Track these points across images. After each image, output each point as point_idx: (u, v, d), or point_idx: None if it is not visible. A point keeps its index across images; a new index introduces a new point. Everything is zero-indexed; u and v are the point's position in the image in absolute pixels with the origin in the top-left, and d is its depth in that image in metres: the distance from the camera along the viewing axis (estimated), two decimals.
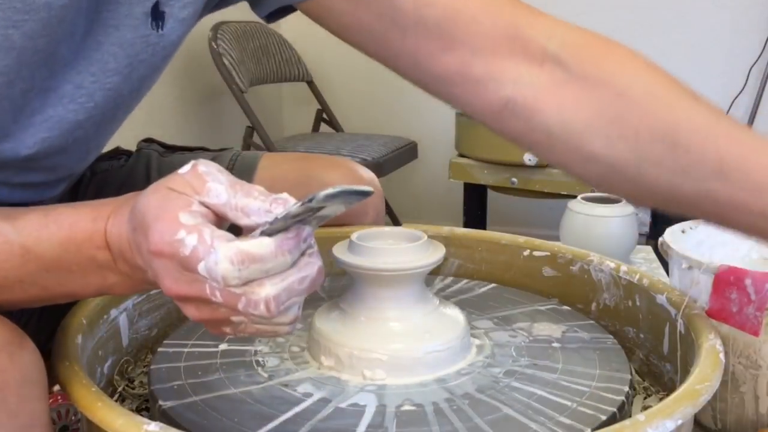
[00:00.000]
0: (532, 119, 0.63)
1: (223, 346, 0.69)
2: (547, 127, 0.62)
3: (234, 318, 0.46)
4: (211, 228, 0.44)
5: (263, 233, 0.45)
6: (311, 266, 0.46)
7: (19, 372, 0.50)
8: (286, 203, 0.46)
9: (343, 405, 0.59)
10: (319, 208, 0.44)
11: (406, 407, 0.59)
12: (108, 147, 0.90)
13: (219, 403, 0.59)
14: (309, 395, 0.60)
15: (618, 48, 0.63)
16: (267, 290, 0.44)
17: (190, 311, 0.47)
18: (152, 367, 0.65)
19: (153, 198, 0.46)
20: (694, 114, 0.59)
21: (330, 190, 0.43)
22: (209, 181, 0.46)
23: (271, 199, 0.46)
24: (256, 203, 0.46)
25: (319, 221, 0.46)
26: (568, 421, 0.56)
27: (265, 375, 0.64)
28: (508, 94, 0.64)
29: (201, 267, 0.43)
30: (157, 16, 0.63)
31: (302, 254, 0.46)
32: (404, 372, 0.63)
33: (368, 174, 0.97)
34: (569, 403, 0.59)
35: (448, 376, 0.64)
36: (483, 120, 0.68)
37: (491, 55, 0.63)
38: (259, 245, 0.44)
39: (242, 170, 0.91)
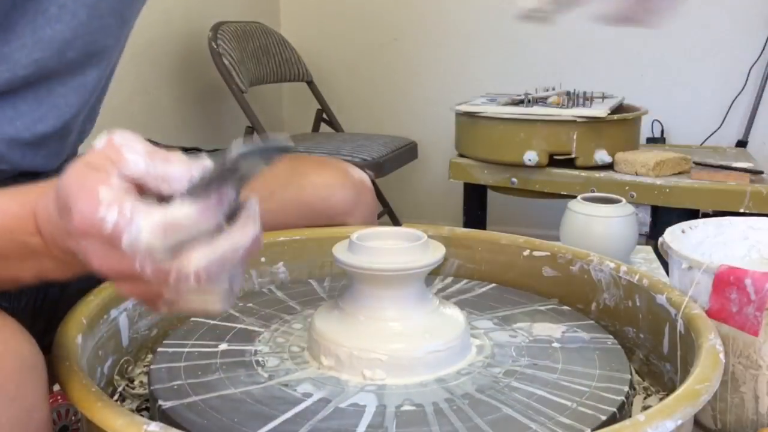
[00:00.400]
0: None
1: (223, 346, 0.69)
2: None
3: (167, 294, 0.45)
4: (132, 200, 0.43)
5: (183, 198, 0.44)
6: (244, 235, 0.44)
7: (16, 358, 0.50)
8: (204, 168, 0.45)
9: (343, 405, 0.59)
10: (236, 168, 0.43)
11: (406, 407, 0.59)
12: None
13: (219, 403, 0.59)
14: (309, 395, 0.60)
15: None
16: (197, 262, 0.43)
17: (125, 288, 0.46)
18: (152, 367, 0.65)
19: (72, 176, 0.45)
20: None
21: (242, 149, 0.41)
22: (125, 153, 0.45)
23: (190, 164, 0.46)
24: (176, 169, 0.45)
25: (241, 182, 0.45)
26: (568, 421, 0.56)
27: (265, 375, 0.64)
28: None
29: (125, 242, 0.42)
30: None
31: (235, 221, 0.45)
32: (404, 372, 0.63)
33: (359, 174, 0.98)
34: (569, 403, 0.59)
35: (448, 376, 0.64)
36: None
37: None
38: (179, 211, 0.43)
39: None
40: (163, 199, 0.45)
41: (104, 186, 0.44)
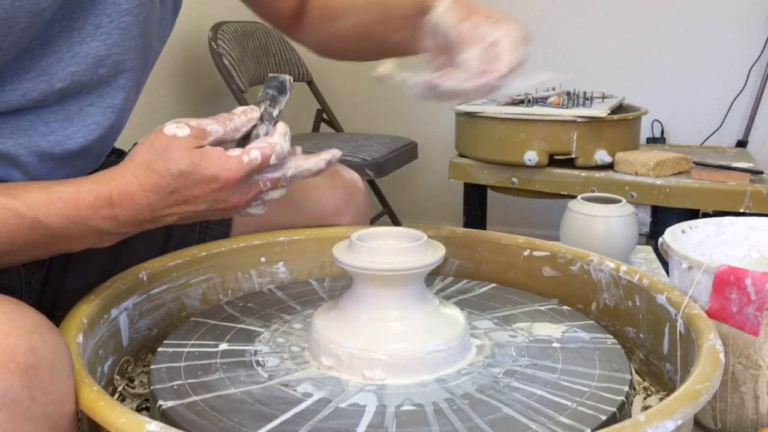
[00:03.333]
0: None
1: (223, 346, 0.69)
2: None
3: (257, 197, 0.68)
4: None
5: (259, 127, 0.69)
6: (325, 157, 0.71)
7: (50, 352, 0.53)
8: (253, 110, 0.69)
9: (343, 405, 0.59)
10: (272, 100, 0.70)
11: (406, 407, 0.59)
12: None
13: (219, 403, 0.59)
14: (309, 395, 0.60)
15: None
16: (291, 171, 0.69)
17: (238, 204, 0.67)
18: (152, 366, 0.65)
19: (194, 159, 0.64)
20: None
21: (270, 81, 0.71)
22: (206, 127, 0.65)
23: (242, 111, 0.69)
24: (240, 120, 0.68)
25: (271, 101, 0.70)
26: (568, 421, 0.56)
27: (265, 375, 0.64)
28: None
29: (273, 159, 0.65)
30: None
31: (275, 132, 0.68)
32: (404, 372, 0.63)
33: (350, 174, 0.99)
34: (569, 403, 0.59)
35: (448, 376, 0.64)
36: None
37: None
38: (276, 134, 0.68)
39: None
40: (238, 143, 0.68)
41: (224, 151, 0.65)
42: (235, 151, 0.65)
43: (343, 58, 1.01)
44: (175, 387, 0.62)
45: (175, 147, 0.63)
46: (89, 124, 0.76)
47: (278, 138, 0.67)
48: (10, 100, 0.71)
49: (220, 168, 0.63)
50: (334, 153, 0.72)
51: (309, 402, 0.59)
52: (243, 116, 0.68)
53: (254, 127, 0.68)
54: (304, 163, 0.69)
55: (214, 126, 0.65)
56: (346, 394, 0.60)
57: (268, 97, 0.69)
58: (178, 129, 0.64)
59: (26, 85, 0.72)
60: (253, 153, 0.64)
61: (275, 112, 0.69)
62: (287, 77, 0.70)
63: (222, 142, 0.66)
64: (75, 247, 0.66)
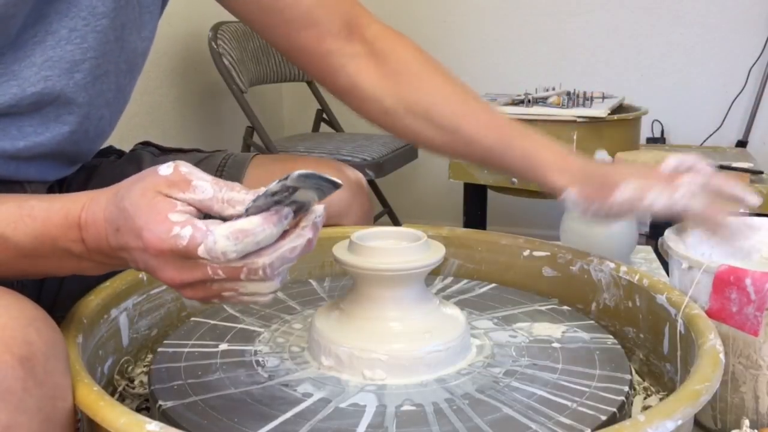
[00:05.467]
0: (356, 82, 0.88)
1: (223, 346, 0.69)
2: (363, 89, 0.88)
3: (225, 294, 0.53)
4: (201, 220, 0.51)
5: (248, 213, 0.51)
6: (301, 238, 0.52)
7: (45, 345, 0.52)
8: (265, 190, 0.52)
9: (343, 405, 0.59)
10: (294, 190, 0.51)
11: (406, 407, 0.59)
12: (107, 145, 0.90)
13: (219, 403, 0.59)
14: (309, 395, 0.60)
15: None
16: (264, 259, 0.51)
17: (186, 293, 0.53)
18: (152, 367, 0.65)
19: (140, 201, 0.52)
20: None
21: (302, 171, 0.49)
22: (194, 180, 0.52)
23: (252, 191, 0.53)
24: (239, 195, 0.52)
25: (296, 206, 0.52)
26: (568, 421, 0.56)
27: (265, 375, 0.64)
28: (344, 63, 0.87)
29: (201, 250, 0.49)
30: None
31: (296, 227, 0.53)
32: (404, 372, 0.63)
33: (354, 174, 0.98)
34: (569, 403, 0.59)
35: (448, 376, 0.64)
36: (325, 84, 0.91)
37: (335, 36, 0.87)
38: (247, 222, 0.50)
39: (232, 171, 0.92)
40: (225, 220, 0.52)
41: (174, 211, 0.51)
42: (190, 221, 0.51)
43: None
44: (175, 387, 0.62)
45: (141, 183, 0.53)
46: (65, 132, 0.75)
47: (254, 226, 0.50)
48: None
49: (147, 224, 0.51)
50: (316, 217, 0.54)
51: (309, 402, 0.59)
52: (242, 191, 0.53)
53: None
54: (285, 245, 0.52)
55: (204, 184, 0.52)
56: (346, 394, 0.60)
57: (303, 187, 0.51)
58: (166, 168, 0.54)
59: None
60: (185, 230, 0.50)
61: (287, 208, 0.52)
62: (339, 182, 0.52)
63: (207, 208, 0.53)
64: (57, 270, 0.60)
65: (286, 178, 0.50)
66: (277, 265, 0.52)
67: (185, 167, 0.53)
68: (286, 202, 0.52)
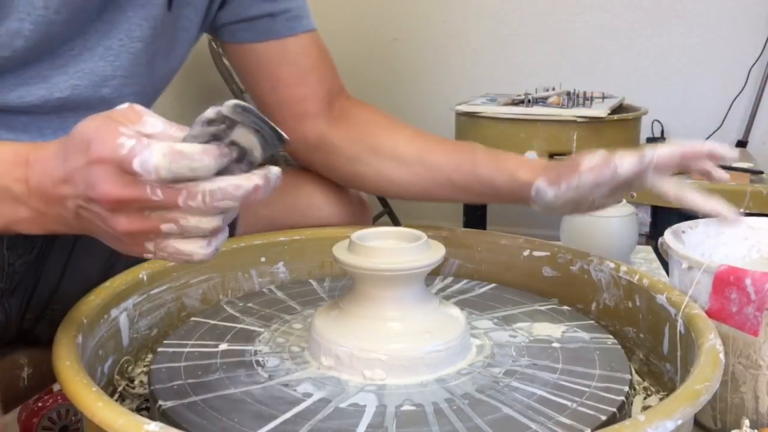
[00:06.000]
0: (325, 137, 0.92)
1: (223, 346, 0.69)
2: (331, 142, 0.92)
3: (164, 226, 0.49)
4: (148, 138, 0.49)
5: (185, 141, 0.49)
6: (249, 181, 0.49)
7: None
8: (202, 117, 0.50)
9: (343, 405, 0.59)
10: (232, 124, 0.49)
11: (406, 407, 0.59)
12: None
13: (219, 403, 0.59)
14: (309, 395, 0.60)
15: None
16: (205, 185, 0.48)
17: (122, 222, 0.50)
18: (152, 367, 0.65)
19: (93, 121, 0.50)
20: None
21: (239, 102, 0.48)
22: (146, 115, 0.51)
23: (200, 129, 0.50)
24: (188, 133, 0.50)
25: (238, 151, 0.50)
26: (568, 421, 0.56)
27: (265, 375, 0.64)
28: (318, 124, 0.92)
29: (136, 162, 0.47)
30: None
31: (248, 170, 0.51)
32: (404, 372, 0.63)
33: (358, 197, 0.99)
34: (569, 403, 0.59)
35: (448, 376, 0.64)
36: (294, 137, 0.86)
37: (320, 100, 0.92)
38: (187, 146, 0.48)
39: None
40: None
41: (125, 128, 0.49)
42: (137, 136, 0.49)
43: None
44: (175, 387, 0.62)
45: (94, 116, 0.52)
46: None
47: (193, 152, 0.48)
48: (5, 99, 0.72)
49: (96, 135, 0.49)
50: (270, 172, 0.52)
51: (309, 402, 0.59)
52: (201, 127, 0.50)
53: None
54: (230, 180, 0.49)
55: (155, 120, 0.51)
56: (346, 394, 0.60)
57: (241, 122, 0.49)
58: (120, 106, 0.53)
59: (24, 88, 0.73)
60: (129, 141, 0.48)
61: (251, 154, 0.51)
62: (284, 136, 0.51)
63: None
64: None
65: (221, 105, 0.48)
66: (218, 197, 0.49)
67: (139, 107, 0.52)
68: (225, 139, 0.50)
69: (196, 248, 0.51)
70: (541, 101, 1.92)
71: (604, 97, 2.00)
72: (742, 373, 0.69)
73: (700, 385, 0.53)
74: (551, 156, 1.82)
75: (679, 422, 0.49)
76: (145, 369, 0.74)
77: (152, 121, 0.51)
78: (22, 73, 0.72)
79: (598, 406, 0.59)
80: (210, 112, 0.49)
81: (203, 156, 0.48)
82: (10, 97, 0.73)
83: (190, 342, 0.70)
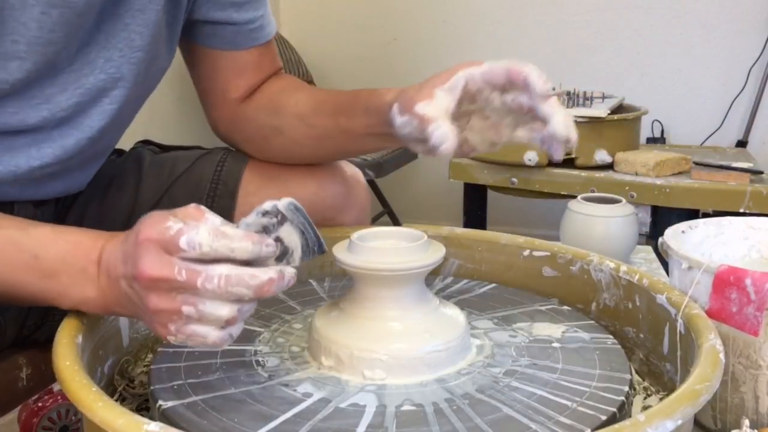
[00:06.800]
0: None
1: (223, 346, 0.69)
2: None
3: (184, 308, 0.53)
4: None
5: (239, 227, 0.56)
6: (265, 273, 0.54)
7: None
8: (256, 212, 0.57)
9: (343, 405, 0.59)
10: (282, 219, 0.56)
11: (406, 407, 0.59)
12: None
13: (219, 403, 0.59)
14: (309, 395, 0.60)
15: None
16: (222, 269, 0.53)
17: (152, 300, 0.54)
18: (152, 367, 0.65)
19: (152, 214, 0.56)
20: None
21: (294, 201, 0.56)
22: (207, 213, 0.56)
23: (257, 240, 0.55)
24: (242, 220, 0.57)
25: (281, 248, 0.56)
26: (568, 421, 0.56)
27: (265, 375, 0.64)
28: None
29: (183, 240, 0.53)
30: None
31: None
32: (404, 372, 0.63)
33: (351, 168, 0.97)
34: (569, 403, 0.59)
35: (448, 376, 0.64)
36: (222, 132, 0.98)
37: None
38: (230, 228, 0.54)
39: (232, 166, 0.92)
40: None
41: (175, 217, 0.55)
42: (184, 222, 0.54)
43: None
44: (175, 387, 0.62)
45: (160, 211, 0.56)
46: (72, 148, 0.78)
47: (234, 234, 0.54)
48: (8, 122, 0.73)
49: (148, 224, 0.55)
50: (286, 270, 0.55)
51: (309, 402, 0.59)
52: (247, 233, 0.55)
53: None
54: (249, 270, 0.54)
55: (213, 217, 0.56)
56: (346, 394, 0.60)
57: (289, 221, 0.57)
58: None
59: (27, 110, 0.73)
60: (177, 224, 0.53)
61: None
62: (324, 247, 0.58)
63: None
64: (58, 294, 0.62)
65: (278, 200, 0.56)
66: (233, 282, 0.53)
67: (202, 207, 0.56)
68: (273, 233, 0.56)
69: (211, 330, 0.55)
70: None
71: (604, 97, 2.00)
72: (742, 373, 0.69)
73: (700, 385, 0.53)
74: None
75: (679, 422, 0.49)
76: (145, 369, 0.74)
77: (212, 218, 0.56)
78: (24, 94, 0.72)
79: (598, 406, 0.59)
80: (267, 205, 0.56)
81: (243, 239, 0.53)
82: (12, 121, 0.73)
83: None
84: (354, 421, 0.56)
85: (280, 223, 0.56)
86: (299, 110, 0.89)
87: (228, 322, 0.55)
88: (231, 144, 0.97)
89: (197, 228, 0.53)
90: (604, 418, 0.57)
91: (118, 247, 0.59)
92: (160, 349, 0.69)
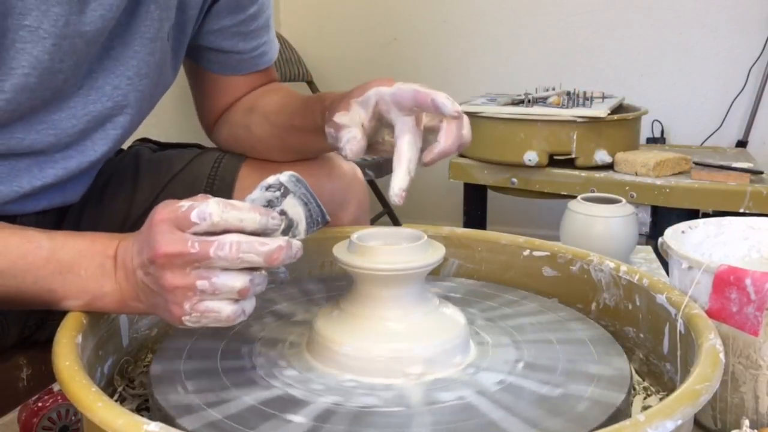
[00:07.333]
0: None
1: (223, 347, 0.69)
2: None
3: (198, 282, 0.55)
4: None
5: (245, 201, 0.58)
6: (275, 242, 0.56)
7: None
8: (260, 186, 0.59)
9: (342, 405, 0.59)
10: (285, 192, 0.58)
11: (406, 407, 0.59)
12: None
13: (219, 403, 0.59)
14: (309, 395, 0.60)
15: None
16: (233, 237, 0.55)
17: (167, 278, 0.56)
18: (152, 367, 0.65)
19: (160, 205, 0.58)
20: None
21: (294, 173, 0.58)
22: (211, 198, 0.57)
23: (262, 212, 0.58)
24: (248, 196, 0.59)
25: (286, 221, 0.59)
26: (568, 421, 0.56)
27: (265, 375, 0.64)
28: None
29: (194, 214, 0.55)
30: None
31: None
32: (404, 372, 0.63)
33: (349, 165, 0.97)
34: (569, 403, 0.59)
35: (448, 376, 0.63)
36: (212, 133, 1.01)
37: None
38: (238, 202, 0.57)
39: (229, 164, 0.93)
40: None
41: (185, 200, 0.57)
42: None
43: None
44: (175, 387, 0.62)
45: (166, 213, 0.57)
46: (72, 168, 0.79)
47: (242, 205, 0.57)
48: (16, 147, 0.74)
49: (161, 206, 0.57)
50: (293, 241, 0.57)
51: (309, 402, 0.59)
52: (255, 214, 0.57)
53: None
54: (258, 238, 0.56)
55: (219, 199, 0.57)
56: (347, 395, 0.60)
57: (291, 192, 0.59)
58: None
59: (34, 135, 0.74)
60: (187, 203, 0.56)
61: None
62: (327, 217, 0.61)
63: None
64: (75, 291, 0.63)
65: (280, 173, 0.58)
66: (244, 248, 0.55)
67: (207, 196, 0.58)
68: (277, 205, 0.58)
69: (224, 305, 0.56)
70: (541, 101, 1.92)
71: (604, 97, 2.00)
72: (742, 373, 0.69)
73: (700, 385, 0.53)
74: (551, 156, 1.82)
75: (679, 422, 0.49)
76: (145, 369, 0.74)
77: (217, 198, 0.57)
78: (31, 119, 0.73)
79: (598, 406, 0.59)
80: (270, 179, 0.58)
81: (251, 210, 0.56)
82: (20, 147, 0.74)
83: (190, 342, 0.70)
84: (354, 421, 0.56)
85: (284, 195, 0.58)
86: (267, 109, 0.92)
87: (240, 294, 0.56)
88: (216, 143, 1.00)
89: (207, 201, 0.55)
90: (604, 418, 0.57)
91: (134, 241, 0.60)
92: (160, 349, 0.69)
